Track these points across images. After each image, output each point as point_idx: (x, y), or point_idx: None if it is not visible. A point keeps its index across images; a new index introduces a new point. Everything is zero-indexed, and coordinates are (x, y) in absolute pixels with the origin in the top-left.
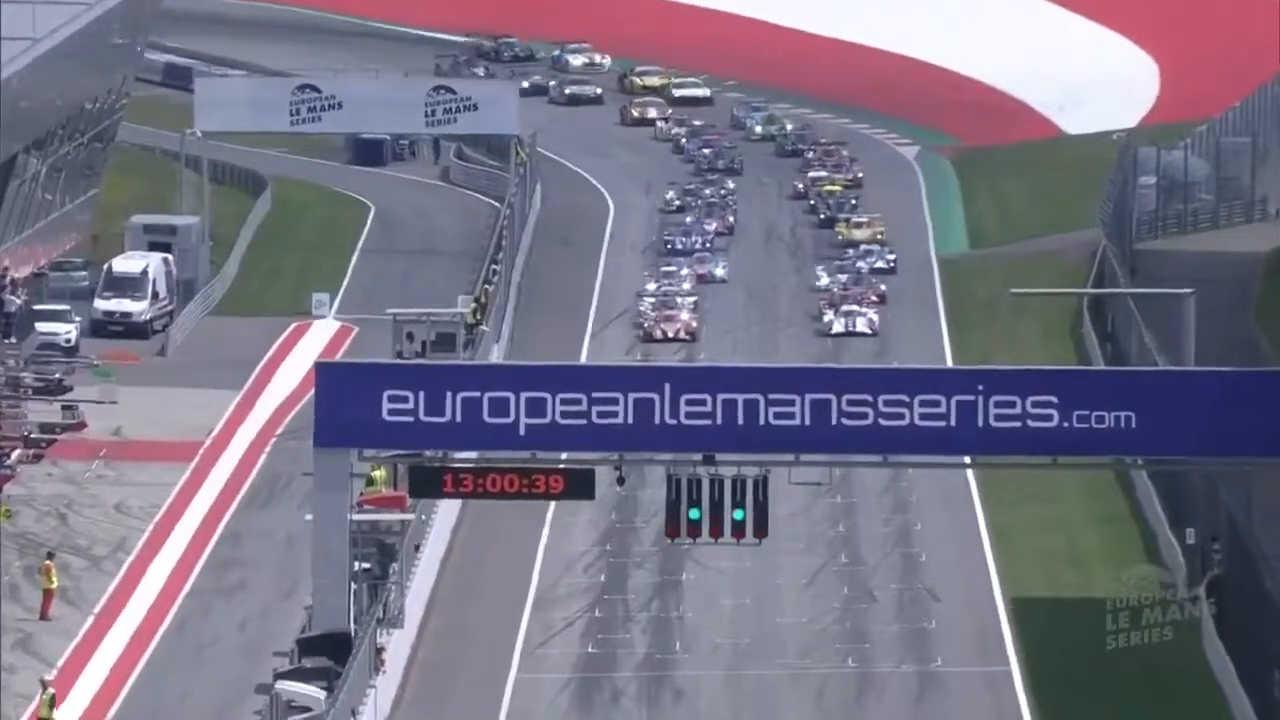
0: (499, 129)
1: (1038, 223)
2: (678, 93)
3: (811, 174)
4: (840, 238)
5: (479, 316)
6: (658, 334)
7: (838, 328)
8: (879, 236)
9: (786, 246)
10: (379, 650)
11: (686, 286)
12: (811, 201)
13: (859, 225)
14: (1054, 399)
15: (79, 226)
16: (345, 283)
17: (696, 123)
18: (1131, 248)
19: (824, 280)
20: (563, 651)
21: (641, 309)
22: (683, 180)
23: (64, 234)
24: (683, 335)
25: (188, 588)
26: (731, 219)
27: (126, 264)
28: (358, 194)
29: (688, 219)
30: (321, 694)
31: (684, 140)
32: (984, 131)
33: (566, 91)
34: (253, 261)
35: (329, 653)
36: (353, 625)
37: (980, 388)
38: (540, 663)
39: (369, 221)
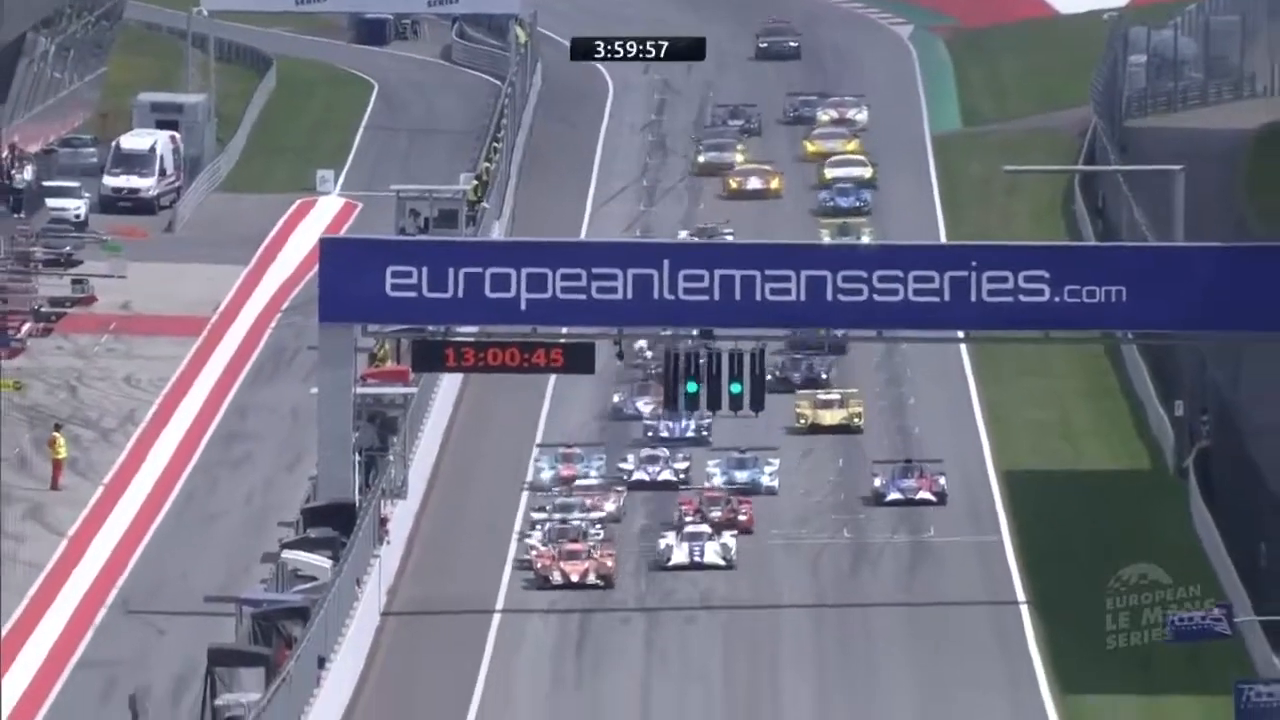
0: (499, 9)
1: (1031, 101)
2: (830, 173)
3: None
4: (801, 421)
5: (480, 194)
6: (555, 577)
7: (678, 557)
8: (855, 421)
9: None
10: (383, 521)
11: (599, 512)
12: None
13: (828, 404)
14: (1046, 274)
15: (88, 104)
16: (349, 160)
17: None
18: (1122, 125)
19: (716, 478)
20: None
21: (530, 542)
22: None
23: (73, 111)
24: (592, 579)
25: (195, 459)
26: None
27: (134, 141)
28: (361, 72)
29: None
30: (327, 563)
31: None
32: (980, 12)
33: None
34: (258, 139)
35: (334, 523)
36: (357, 496)
37: (973, 263)
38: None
39: (372, 100)
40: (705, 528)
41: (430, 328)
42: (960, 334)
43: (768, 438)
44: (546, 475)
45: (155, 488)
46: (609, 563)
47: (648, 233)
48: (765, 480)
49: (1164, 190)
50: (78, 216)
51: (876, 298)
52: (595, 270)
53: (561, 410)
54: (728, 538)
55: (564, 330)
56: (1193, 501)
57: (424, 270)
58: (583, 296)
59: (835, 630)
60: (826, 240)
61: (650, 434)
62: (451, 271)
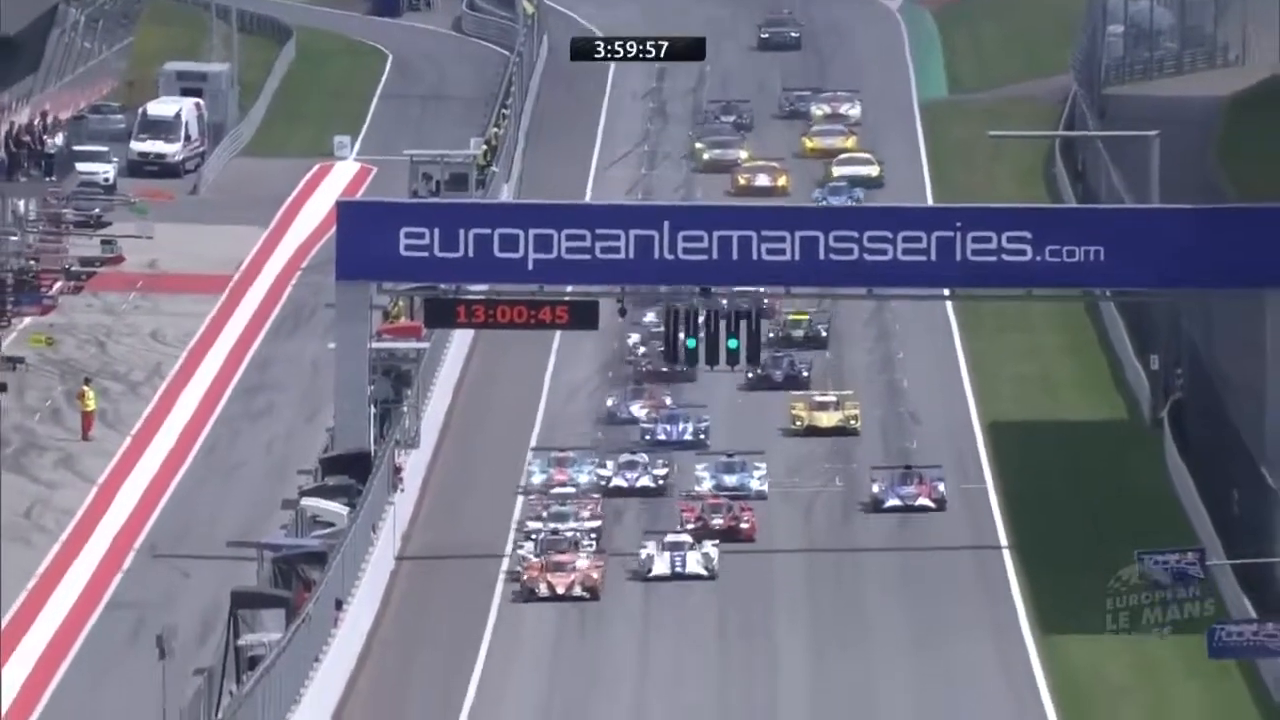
0: None
1: (1014, 69)
2: (838, 170)
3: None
4: (797, 423)
5: (490, 158)
6: (541, 589)
7: (659, 568)
8: (852, 423)
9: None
10: (397, 469)
11: (588, 522)
12: (771, 333)
13: (823, 406)
14: (1028, 234)
15: (116, 73)
16: (365, 126)
17: None
18: (1101, 92)
19: (705, 483)
20: None
21: (523, 553)
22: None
23: (102, 80)
24: (579, 592)
25: (218, 411)
26: (669, 399)
27: (161, 108)
28: (376, 43)
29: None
30: (344, 510)
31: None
32: None
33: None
34: (278, 106)
35: (350, 472)
36: (372, 446)
37: (959, 224)
38: None
39: (387, 69)
40: (686, 537)
41: (442, 286)
42: (946, 291)
43: (763, 441)
44: (538, 479)
45: (180, 438)
46: (595, 575)
47: (649, 195)
48: (754, 484)
49: (1141, 155)
50: (106, 180)
51: (866, 257)
52: (599, 231)
53: (567, 366)
54: (709, 547)
55: (569, 288)
56: (1167, 451)
57: (436, 231)
58: (587, 256)
59: (827, 575)
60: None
61: (647, 437)
62: (462, 232)
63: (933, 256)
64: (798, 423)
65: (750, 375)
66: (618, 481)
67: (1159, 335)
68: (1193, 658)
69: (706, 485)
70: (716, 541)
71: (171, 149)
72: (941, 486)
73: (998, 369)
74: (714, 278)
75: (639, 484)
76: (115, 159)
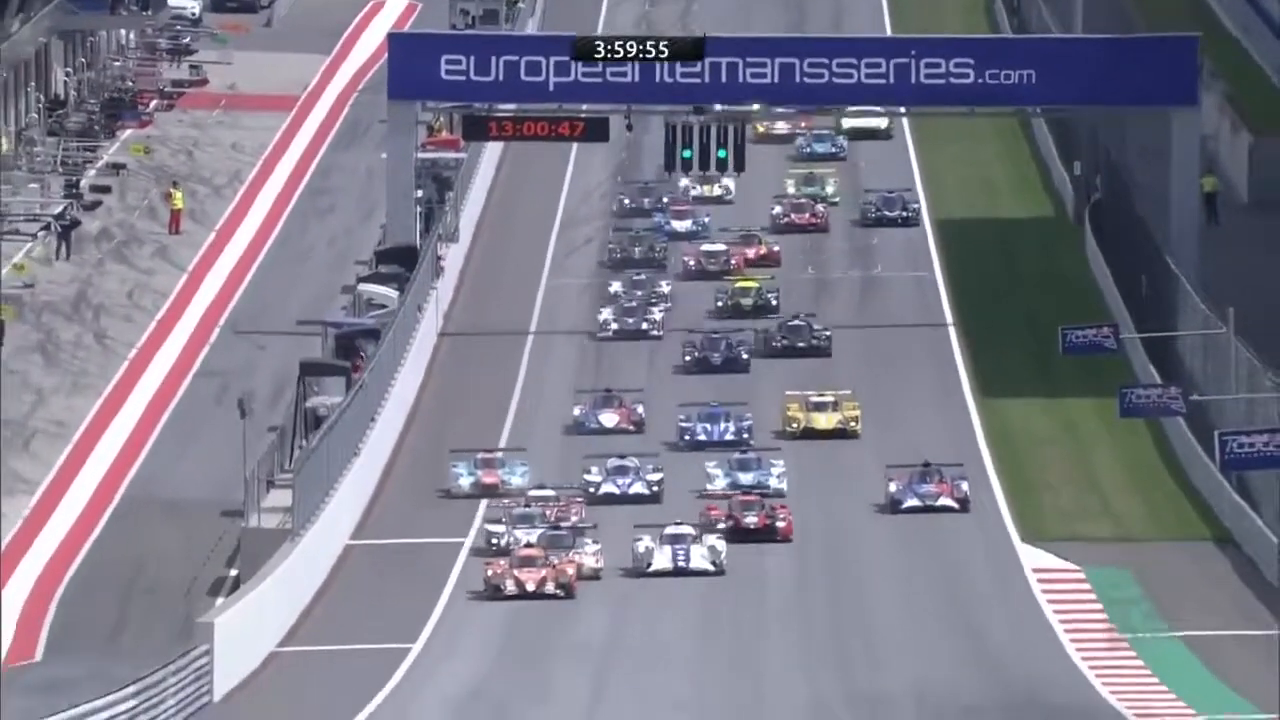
0: None
1: None
2: (847, 123)
3: (705, 246)
4: (794, 425)
5: None
6: (509, 587)
7: (660, 562)
8: (852, 425)
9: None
10: (439, 259)
11: (565, 523)
12: (719, 301)
13: (820, 407)
14: (971, 61)
15: None
16: None
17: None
18: None
19: (718, 481)
20: (582, 261)
21: (496, 539)
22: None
23: None
24: (550, 589)
25: (289, 210)
26: (641, 409)
27: None
28: None
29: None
30: (395, 294)
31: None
32: None
33: None
34: None
35: (400, 261)
36: (418, 240)
37: (913, 52)
38: (565, 270)
39: None
40: (688, 529)
41: (476, 105)
42: (902, 110)
43: (758, 440)
44: (465, 483)
45: (257, 233)
46: (569, 570)
47: (652, 27)
48: (774, 483)
49: None
50: (193, 14)
51: (835, 80)
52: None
53: (582, 173)
54: (714, 540)
55: (584, 107)
56: (1087, 243)
57: (472, 59)
58: (599, 80)
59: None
60: (790, 189)
61: (687, 438)
62: (494, 59)
63: (890, 80)
64: (793, 425)
65: (687, 358)
66: (608, 488)
67: (1081, 146)
68: (1106, 416)
69: (720, 484)
70: (720, 534)
71: None
72: (965, 485)
73: (945, 174)
74: (706, 97)
75: (632, 490)
76: None
